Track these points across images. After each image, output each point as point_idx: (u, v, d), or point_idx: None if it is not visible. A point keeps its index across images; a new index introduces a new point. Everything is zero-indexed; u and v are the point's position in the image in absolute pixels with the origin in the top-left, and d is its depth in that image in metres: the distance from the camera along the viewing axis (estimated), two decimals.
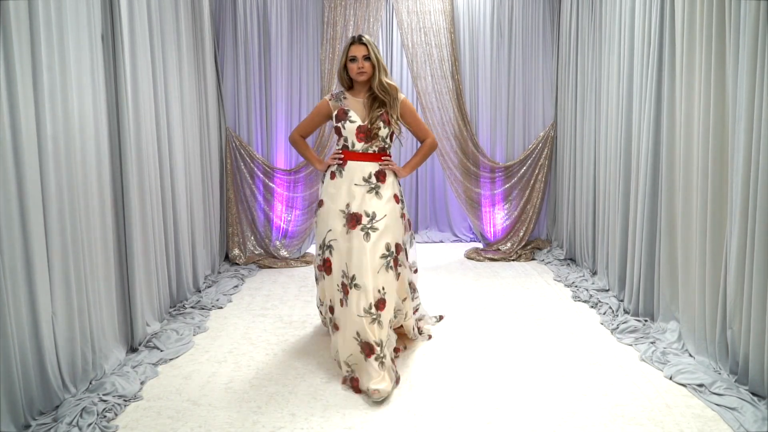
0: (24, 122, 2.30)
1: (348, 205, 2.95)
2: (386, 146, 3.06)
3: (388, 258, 2.88)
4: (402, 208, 3.07)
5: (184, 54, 4.09)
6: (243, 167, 5.26)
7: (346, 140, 3.03)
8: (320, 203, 3.07)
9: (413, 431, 2.42)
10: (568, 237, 5.29)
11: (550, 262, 5.24)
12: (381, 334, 2.80)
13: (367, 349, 2.78)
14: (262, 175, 5.31)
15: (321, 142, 5.25)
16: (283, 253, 5.32)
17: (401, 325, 3.28)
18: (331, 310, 3.06)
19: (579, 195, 4.97)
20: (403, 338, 3.33)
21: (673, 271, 3.34)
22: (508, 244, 5.57)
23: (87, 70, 2.77)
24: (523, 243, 5.56)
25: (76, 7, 2.69)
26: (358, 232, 2.88)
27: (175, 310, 3.88)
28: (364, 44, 2.98)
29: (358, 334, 2.80)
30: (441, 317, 3.77)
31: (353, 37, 3.02)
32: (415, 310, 3.40)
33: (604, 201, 4.36)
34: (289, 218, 5.39)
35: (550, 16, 5.45)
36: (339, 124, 3.04)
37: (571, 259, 5.24)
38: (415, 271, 3.35)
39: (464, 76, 5.48)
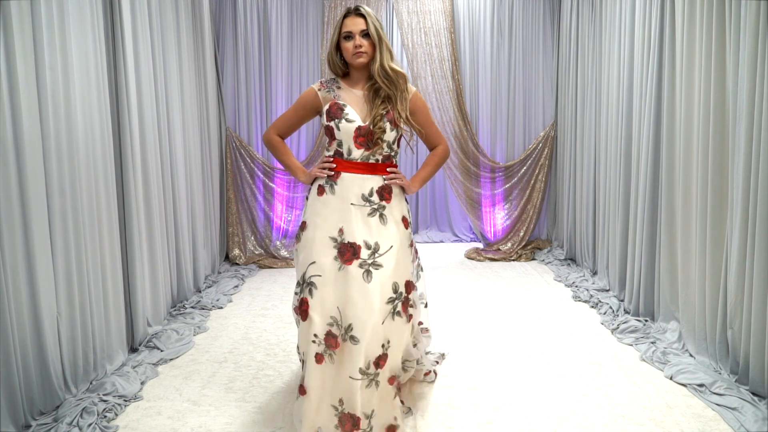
0: (26, 122, 2.30)
1: (341, 231, 2.23)
2: (392, 153, 2.34)
3: (396, 302, 2.21)
4: (410, 234, 2.39)
5: (184, 54, 4.09)
6: (243, 167, 5.26)
7: (340, 145, 2.29)
8: (302, 226, 2.33)
9: (413, 430, 2.42)
10: (568, 237, 5.29)
11: (550, 262, 5.24)
12: (373, 400, 2.19)
13: (349, 423, 2.15)
14: (262, 175, 5.31)
15: (322, 142, 5.24)
16: (284, 253, 5.32)
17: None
18: (302, 364, 2.29)
19: (579, 195, 4.97)
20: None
21: (673, 271, 3.33)
22: (509, 244, 5.57)
23: (88, 71, 2.77)
24: (523, 243, 5.56)
25: (78, 7, 2.69)
26: (355, 269, 2.18)
27: (175, 310, 3.89)
28: (362, 16, 2.26)
29: (340, 402, 2.17)
30: (443, 355, 3.08)
31: (348, 8, 2.31)
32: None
33: (604, 201, 4.36)
34: (289, 218, 5.39)
35: (550, 16, 5.45)
36: (331, 123, 2.29)
37: (571, 259, 5.24)
38: (425, 306, 2.69)
39: (464, 76, 5.48)
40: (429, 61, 5.35)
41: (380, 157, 2.30)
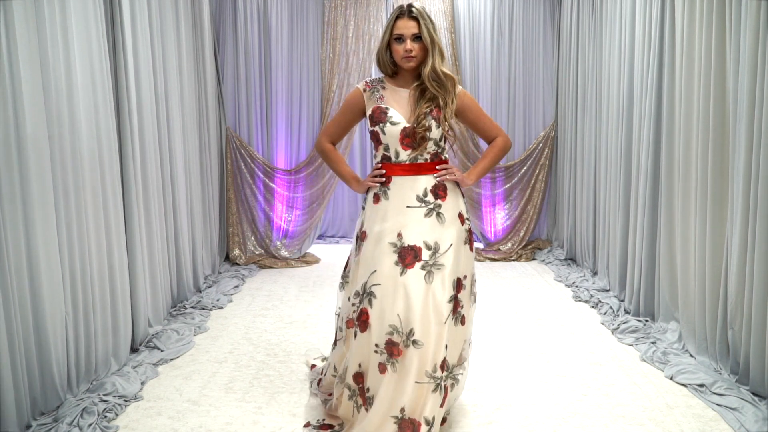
0: (30, 123, 2.30)
1: (400, 236, 2.18)
2: (440, 150, 2.27)
3: (458, 303, 2.21)
4: (468, 229, 2.31)
5: (184, 54, 4.09)
6: (243, 167, 5.26)
7: (387, 149, 2.25)
8: (362, 235, 2.28)
9: None
10: (568, 237, 5.29)
11: (550, 262, 5.24)
12: (437, 406, 2.11)
13: (409, 428, 2.07)
14: (262, 175, 5.31)
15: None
16: (284, 253, 5.31)
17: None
18: (359, 378, 2.23)
19: (579, 195, 4.97)
20: None
21: (673, 271, 3.33)
22: (509, 244, 5.57)
23: (92, 71, 2.76)
24: (523, 243, 5.56)
25: (80, 7, 2.69)
26: (417, 272, 2.13)
27: (175, 310, 3.88)
28: (415, 18, 2.16)
29: (402, 410, 2.07)
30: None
31: (401, 7, 2.18)
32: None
33: (604, 201, 4.36)
34: (289, 218, 5.39)
35: (550, 15, 5.45)
36: (376, 128, 2.24)
37: (571, 259, 5.24)
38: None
39: (464, 76, 5.48)
40: None
41: (428, 156, 2.24)
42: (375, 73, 5.18)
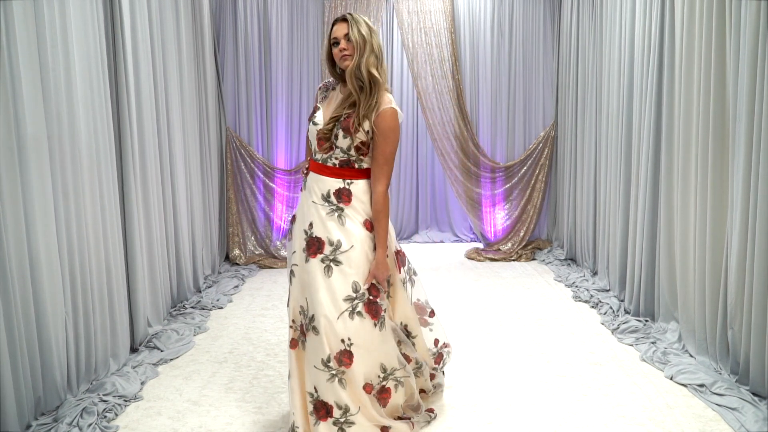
0: (28, 122, 2.30)
1: (311, 225, 2.27)
2: (352, 159, 2.25)
3: (356, 302, 2.20)
4: (385, 239, 2.28)
5: (184, 54, 4.09)
6: (243, 167, 5.26)
7: (311, 145, 2.36)
8: (293, 218, 2.41)
9: (413, 430, 2.42)
10: (568, 237, 5.29)
11: (550, 262, 5.24)
12: (344, 397, 2.18)
13: (323, 410, 2.19)
14: (262, 175, 5.31)
15: None
16: (284, 253, 5.31)
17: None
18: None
19: (579, 195, 4.97)
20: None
21: (673, 271, 3.33)
22: (509, 244, 5.57)
23: (90, 71, 2.76)
24: (523, 243, 5.56)
25: (79, 7, 2.69)
26: (318, 263, 2.21)
27: (175, 310, 3.88)
28: (345, 20, 2.23)
29: (315, 389, 2.21)
30: (432, 413, 2.57)
31: (337, 18, 2.28)
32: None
33: (604, 201, 4.36)
34: (289, 218, 5.38)
35: (550, 16, 5.45)
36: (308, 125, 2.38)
37: (571, 259, 5.24)
38: (431, 314, 2.61)
39: (464, 76, 5.48)
40: (429, 61, 5.35)
41: (336, 161, 2.25)
42: None
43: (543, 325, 3.69)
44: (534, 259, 5.46)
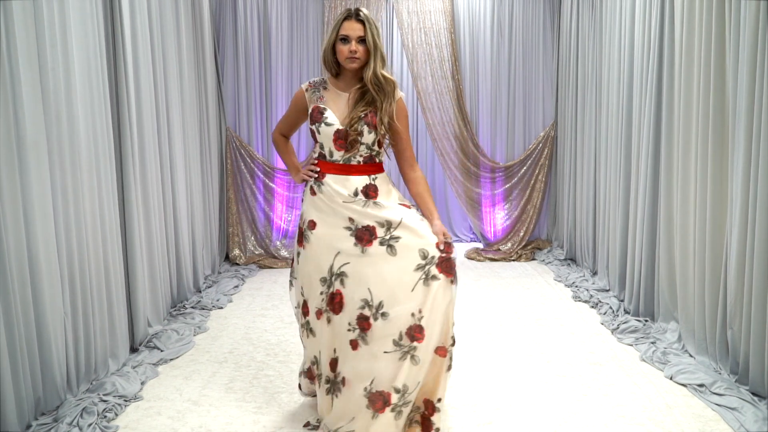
0: (28, 123, 2.30)
1: (352, 220, 2.26)
2: (374, 153, 2.33)
3: (428, 267, 2.19)
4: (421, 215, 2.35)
5: (184, 54, 4.09)
6: (243, 167, 5.26)
7: (322, 147, 2.33)
8: (311, 225, 2.31)
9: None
10: (568, 237, 5.29)
11: (550, 262, 5.24)
12: (410, 375, 2.15)
13: (380, 401, 2.15)
14: (262, 175, 5.31)
15: None
16: (284, 253, 5.31)
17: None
18: (334, 365, 2.29)
19: (579, 195, 4.97)
20: None
21: (673, 270, 3.33)
22: (509, 244, 5.57)
23: (89, 72, 2.76)
24: (523, 243, 5.56)
25: (79, 7, 2.69)
26: (377, 248, 2.21)
27: (175, 310, 3.88)
28: (362, 22, 2.24)
29: (371, 382, 2.16)
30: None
31: (349, 10, 2.28)
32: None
33: (604, 201, 4.36)
34: (289, 218, 5.39)
35: (550, 15, 5.45)
36: (313, 127, 2.33)
37: (571, 259, 5.24)
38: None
39: (464, 76, 5.48)
40: (429, 61, 5.35)
41: (361, 159, 2.31)
42: None
43: (543, 325, 3.69)
44: (534, 259, 5.47)
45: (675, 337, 3.24)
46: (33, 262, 2.35)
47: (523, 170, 5.59)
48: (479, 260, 5.41)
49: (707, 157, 2.90)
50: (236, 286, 4.52)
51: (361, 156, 2.30)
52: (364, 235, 2.23)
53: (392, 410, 2.16)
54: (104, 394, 2.62)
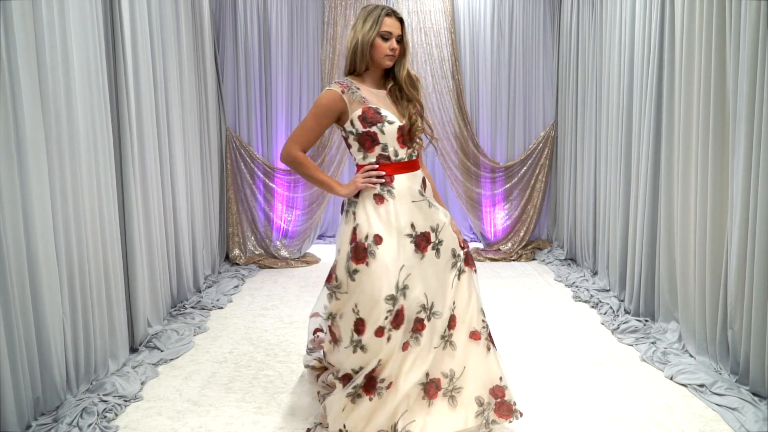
0: (27, 123, 2.30)
1: (413, 226, 2.26)
2: (418, 147, 2.39)
3: (458, 263, 2.33)
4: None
5: (184, 54, 4.09)
6: (243, 167, 5.26)
7: (385, 149, 2.23)
8: (377, 239, 2.19)
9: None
10: (568, 237, 5.28)
11: (550, 262, 5.24)
12: (454, 361, 2.27)
13: (432, 388, 2.24)
14: (262, 175, 5.31)
15: (321, 141, 5.22)
16: (284, 253, 5.31)
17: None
18: (374, 371, 2.20)
19: (579, 195, 4.97)
20: None
21: (673, 271, 3.33)
22: (509, 244, 5.57)
23: (89, 72, 2.76)
24: (523, 243, 5.56)
25: (79, 7, 2.69)
26: (430, 252, 2.28)
27: (175, 310, 3.88)
28: (401, 21, 2.28)
29: (426, 375, 2.23)
30: None
31: (387, 7, 2.26)
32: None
33: (604, 201, 4.36)
34: (289, 218, 5.39)
35: (550, 15, 5.45)
36: (373, 128, 2.21)
37: (571, 259, 5.24)
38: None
39: (464, 76, 5.48)
40: (429, 61, 5.35)
41: (416, 153, 2.35)
42: None
43: (543, 325, 3.69)
44: (534, 259, 5.46)
45: (675, 337, 3.24)
46: (32, 263, 2.35)
47: (523, 170, 5.59)
48: (479, 260, 5.41)
49: (708, 156, 2.90)
50: (236, 286, 4.52)
51: (416, 151, 2.34)
52: (421, 242, 2.27)
53: (444, 395, 2.25)
54: (104, 395, 2.62)
